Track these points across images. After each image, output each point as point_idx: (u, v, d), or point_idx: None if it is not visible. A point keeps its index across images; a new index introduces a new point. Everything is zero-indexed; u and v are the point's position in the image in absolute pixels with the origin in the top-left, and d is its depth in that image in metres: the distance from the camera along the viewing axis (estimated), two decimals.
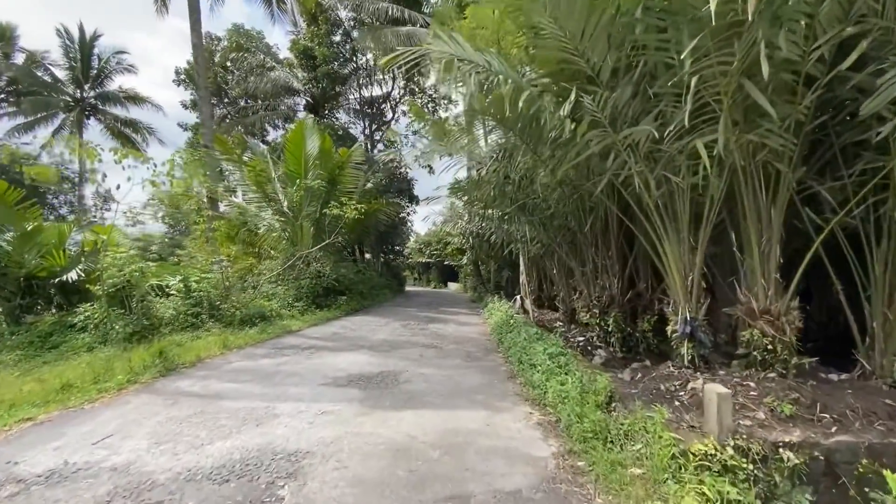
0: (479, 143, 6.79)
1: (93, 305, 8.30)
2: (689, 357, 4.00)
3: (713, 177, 3.56)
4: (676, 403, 3.52)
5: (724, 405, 2.73)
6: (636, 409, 3.23)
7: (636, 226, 5.31)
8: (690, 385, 3.62)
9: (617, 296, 6.01)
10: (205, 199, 10.91)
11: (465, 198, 8.10)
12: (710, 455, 2.65)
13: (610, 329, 6.00)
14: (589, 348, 6.34)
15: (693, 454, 2.67)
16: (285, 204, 16.24)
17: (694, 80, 3.06)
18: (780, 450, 2.78)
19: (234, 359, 6.69)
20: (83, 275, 9.05)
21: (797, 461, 2.74)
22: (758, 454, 2.73)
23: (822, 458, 2.80)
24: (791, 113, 3.47)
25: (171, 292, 9.88)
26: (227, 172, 15.99)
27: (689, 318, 4.02)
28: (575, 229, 6.53)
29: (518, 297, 10.72)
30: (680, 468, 2.64)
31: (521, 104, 3.35)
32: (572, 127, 3.52)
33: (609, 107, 3.56)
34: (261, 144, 23.21)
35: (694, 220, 4.14)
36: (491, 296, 16.16)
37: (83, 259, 9.53)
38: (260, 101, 25.17)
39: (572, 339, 6.73)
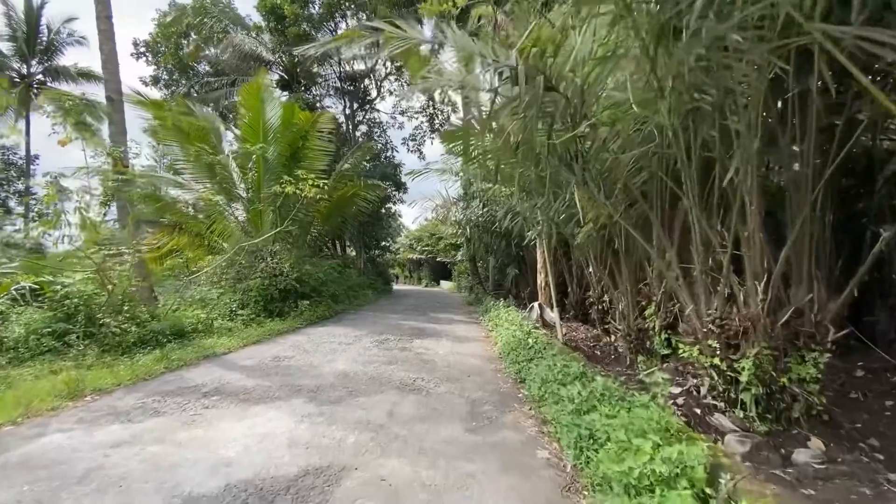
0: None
1: None
2: None
3: None
4: None
5: None
6: None
7: None
8: None
9: (761, 317, 3.15)
10: (108, 165, 7.84)
11: (466, 149, 5.12)
12: None
13: (746, 379, 3.15)
14: (696, 410, 3.47)
15: None
16: (242, 187, 13.28)
17: None
18: None
19: (58, 423, 3.78)
20: None
21: None
22: None
23: None
24: None
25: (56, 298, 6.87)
26: (165, 146, 12.96)
27: None
28: (675, 190, 3.58)
29: (535, 304, 7.85)
30: None
31: None
32: None
33: None
34: (234, 129, 20.06)
35: None
36: (493, 299, 13.27)
37: None
38: (228, 77, 21.94)
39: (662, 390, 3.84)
